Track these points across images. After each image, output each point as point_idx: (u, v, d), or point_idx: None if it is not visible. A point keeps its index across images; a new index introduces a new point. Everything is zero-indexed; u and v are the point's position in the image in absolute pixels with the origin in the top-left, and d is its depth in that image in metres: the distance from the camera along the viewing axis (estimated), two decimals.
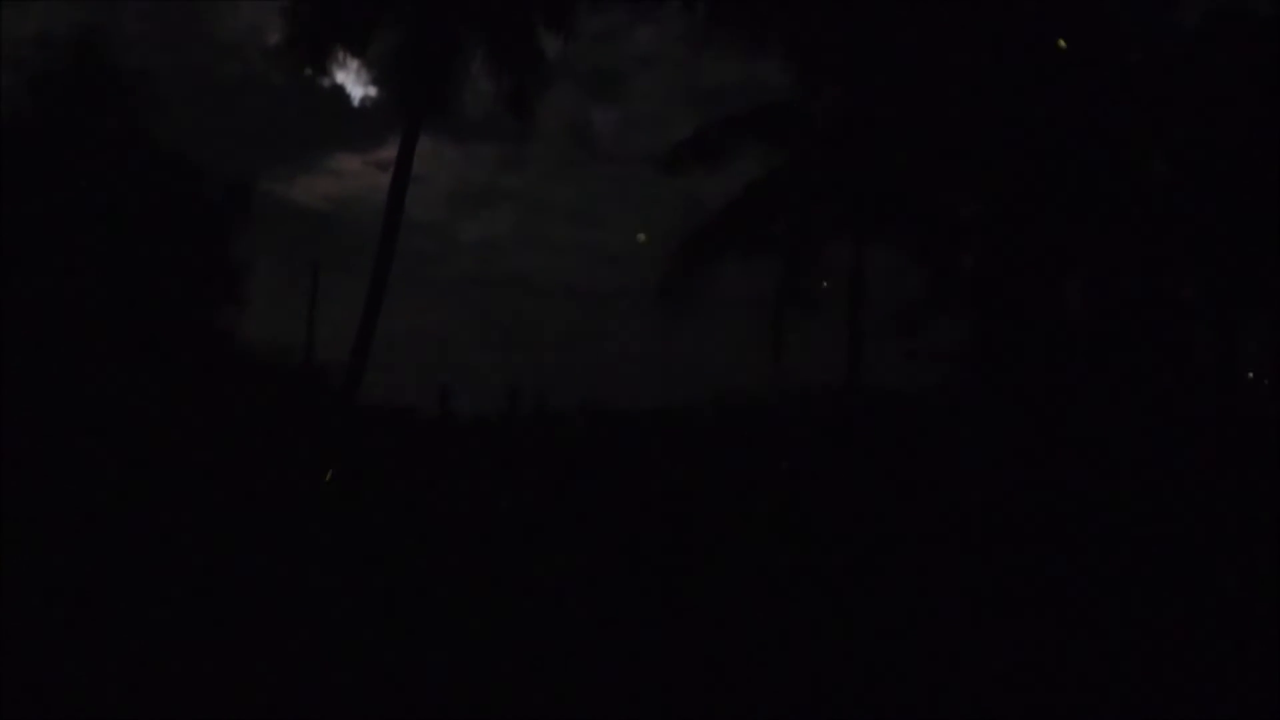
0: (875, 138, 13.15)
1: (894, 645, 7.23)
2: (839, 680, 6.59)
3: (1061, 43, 9.17)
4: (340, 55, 15.76)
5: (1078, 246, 8.97)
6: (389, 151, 17.58)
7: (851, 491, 11.97)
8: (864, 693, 6.37)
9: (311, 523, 11.65)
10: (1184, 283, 10.22)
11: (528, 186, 50.80)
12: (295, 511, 12.15)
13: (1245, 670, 6.30)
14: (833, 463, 12.97)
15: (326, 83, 17.45)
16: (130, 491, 12.04)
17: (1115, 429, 9.10)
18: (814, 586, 9.11)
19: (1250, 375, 10.86)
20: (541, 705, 6.12)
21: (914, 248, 13.13)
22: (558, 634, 7.54)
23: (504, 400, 20.70)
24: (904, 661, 6.85)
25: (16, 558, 8.45)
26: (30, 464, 11.94)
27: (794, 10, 10.85)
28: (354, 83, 17.44)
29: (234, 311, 17.13)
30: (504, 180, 52.08)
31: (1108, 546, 9.15)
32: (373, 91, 17.36)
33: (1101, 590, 8.42)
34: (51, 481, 11.71)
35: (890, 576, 9.23)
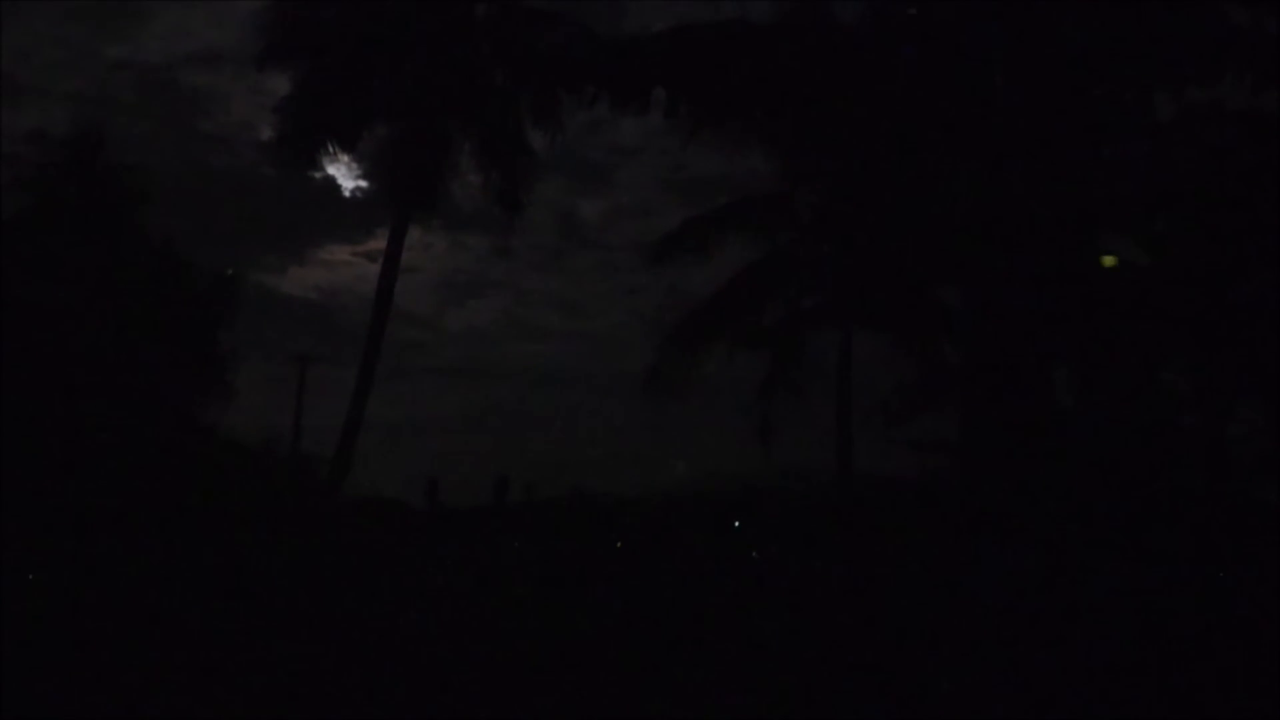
0: (858, 228, 13.37)
1: None
2: None
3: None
4: (331, 150, 16.07)
5: (1063, 336, 9.06)
6: (379, 242, 17.74)
7: (836, 578, 11.84)
8: None
9: (300, 619, 11.37)
10: (1171, 370, 10.29)
11: (516, 276, 51.45)
12: (282, 607, 11.88)
13: None
14: (818, 549, 12.83)
15: (317, 175, 17.76)
16: (113, 586, 11.76)
17: (1105, 519, 9.06)
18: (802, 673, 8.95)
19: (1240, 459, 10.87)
20: None
21: (900, 336, 13.22)
22: None
23: (492, 490, 20.52)
24: None
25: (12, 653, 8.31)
26: (16, 556, 11.69)
27: (773, 112, 11.14)
28: (344, 175, 17.75)
29: (220, 403, 17.05)
30: (492, 270, 52.80)
31: (1098, 633, 9.00)
32: (363, 184, 17.65)
33: (1095, 673, 8.28)
34: (39, 569, 11.47)
35: (872, 665, 9.07)
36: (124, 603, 10.99)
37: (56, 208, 16.19)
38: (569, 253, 51.87)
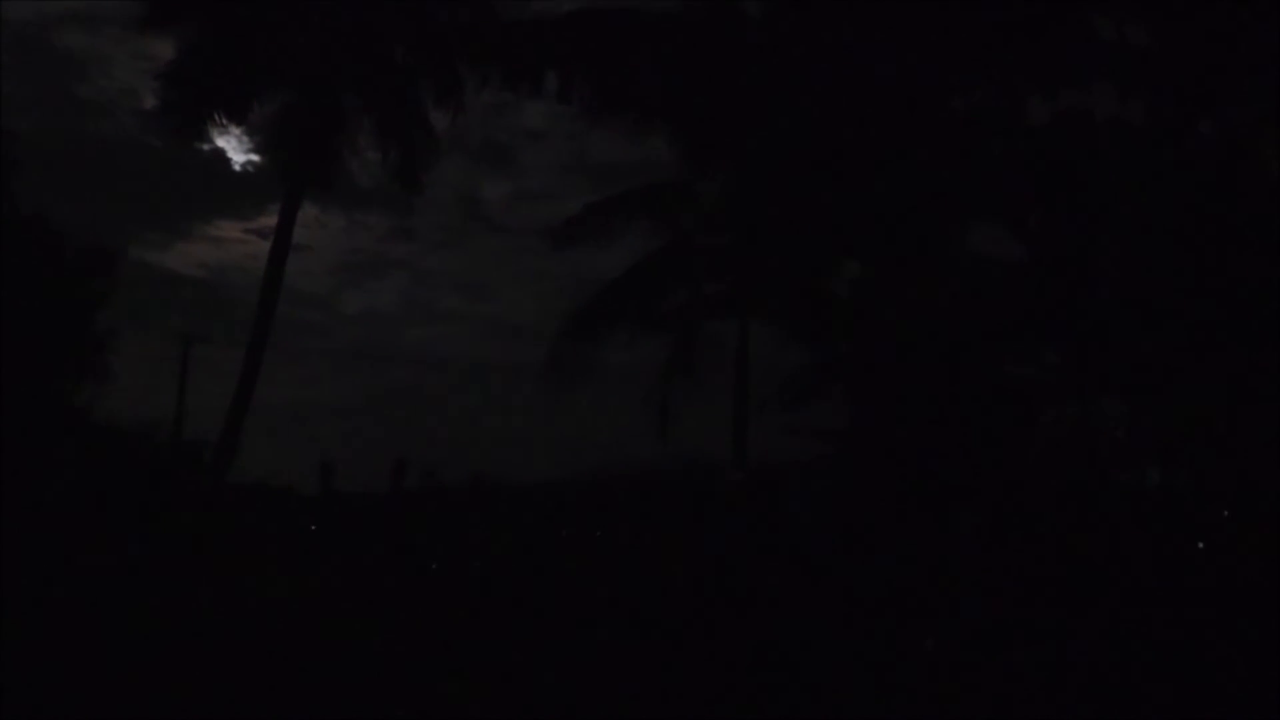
0: (758, 218, 13.54)
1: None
2: None
3: None
4: (219, 120, 15.42)
5: (931, 324, 9.44)
6: (271, 219, 17.14)
7: (723, 560, 12.06)
8: None
9: (181, 613, 10.90)
10: (1035, 363, 10.81)
11: (416, 257, 50.26)
12: (159, 599, 11.38)
13: None
14: (709, 532, 13.03)
15: (205, 147, 17.02)
16: None
17: (974, 505, 9.49)
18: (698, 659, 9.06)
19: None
20: None
21: (795, 325, 13.47)
22: None
23: (390, 474, 20.13)
24: None
25: None
26: None
27: (671, 101, 11.18)
28: (234, 148, 17.07)
29: (96, 385, 16.18)
30: (392, 250, 51.42)
31: (972, 620, 9.38)
32: (254, 157, 17.02)
33: (971, 660, 8.62)
34: None
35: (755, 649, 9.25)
36: None
37: None
38: (472, 235, 50.84)
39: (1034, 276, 10.27)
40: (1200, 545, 10.19)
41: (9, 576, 11.30)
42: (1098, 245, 10.74)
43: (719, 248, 14.99)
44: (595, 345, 14.65)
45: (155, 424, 17.94)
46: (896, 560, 9.85)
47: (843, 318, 11.41)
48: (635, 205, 15.10)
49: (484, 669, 9.20)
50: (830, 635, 9.22)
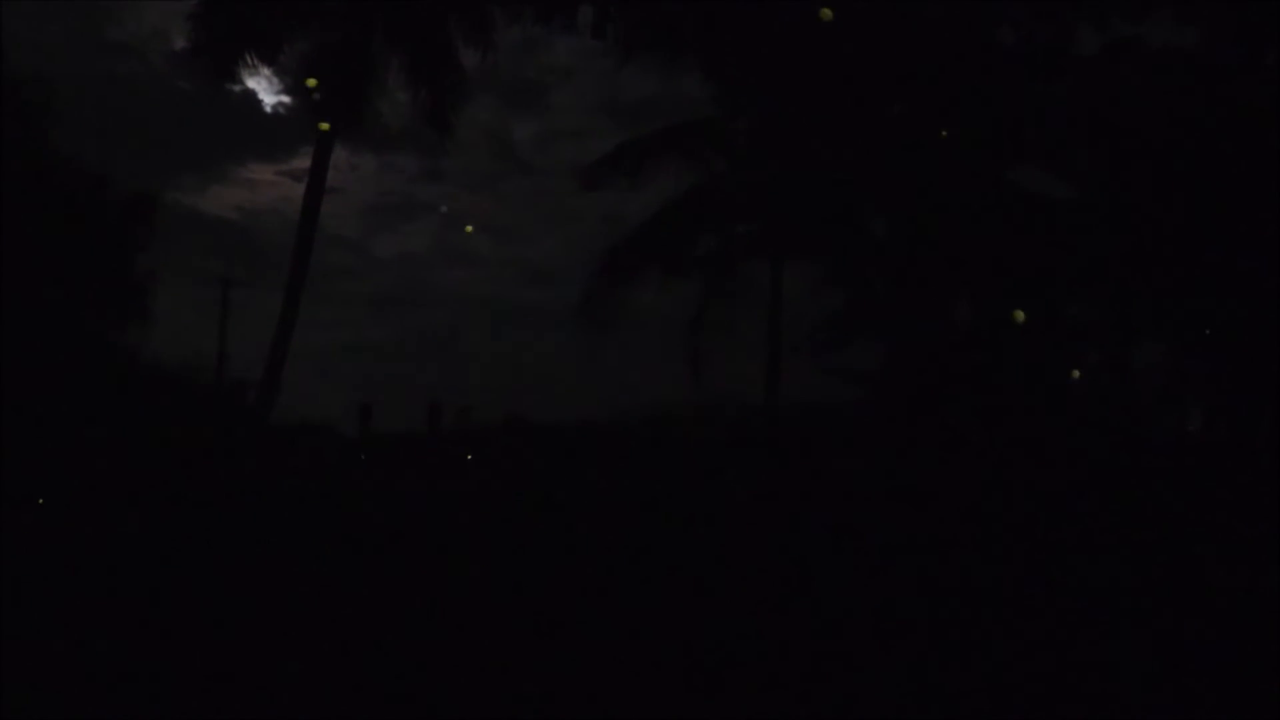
0: (792, 157, 13.32)
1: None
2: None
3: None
4: (250, 61, 15.34)
5: (972, 266, 9.27)
6: (303, 161, 17.14)
7: (759, 502, 12.13)
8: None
9: (227, 550, 11.21)
10: (1075, 304, 10.60)
11: (447, 199, 50.07)
12: (209, 537, 11.70)
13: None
14: (743, 474, 13.13)
15: (237, 89, 16.96)
16: (27, 521, 11.46)
17: (1000, 452, 9.45)
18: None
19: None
20: None
21: (830, 266, 13.33)
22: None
23: (425, 416, 20.44)
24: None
25: None
26: None
27: (708, 33, 10.91)
28: (265, 90, 16.98)
29: (138, 328, 16.50)
30: (423, 192, 51.12)
31: (997, 562, 9.42)
32: (285, 99, 16.93)
33: (996, 604, 8.69)
34: None
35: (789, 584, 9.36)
36: (37, 536, 10.72)
37: None
38: (503, 176, 50.33)
39: (1078, 217, 10.02)
40: (1241, 488, 10.10)
41: (60, 513, 11.70)
42: (1145, 186, 10.46)
43: (752, 186, 14.79)
44: (627, 287, 14.62)
45: (197, 366, 18.32)
46: (929, 506, 9.89)
47: (879, 258, 11.26)
48: (667, 144, 14.88)
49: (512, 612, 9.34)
50: (861, 584, 9.31)
